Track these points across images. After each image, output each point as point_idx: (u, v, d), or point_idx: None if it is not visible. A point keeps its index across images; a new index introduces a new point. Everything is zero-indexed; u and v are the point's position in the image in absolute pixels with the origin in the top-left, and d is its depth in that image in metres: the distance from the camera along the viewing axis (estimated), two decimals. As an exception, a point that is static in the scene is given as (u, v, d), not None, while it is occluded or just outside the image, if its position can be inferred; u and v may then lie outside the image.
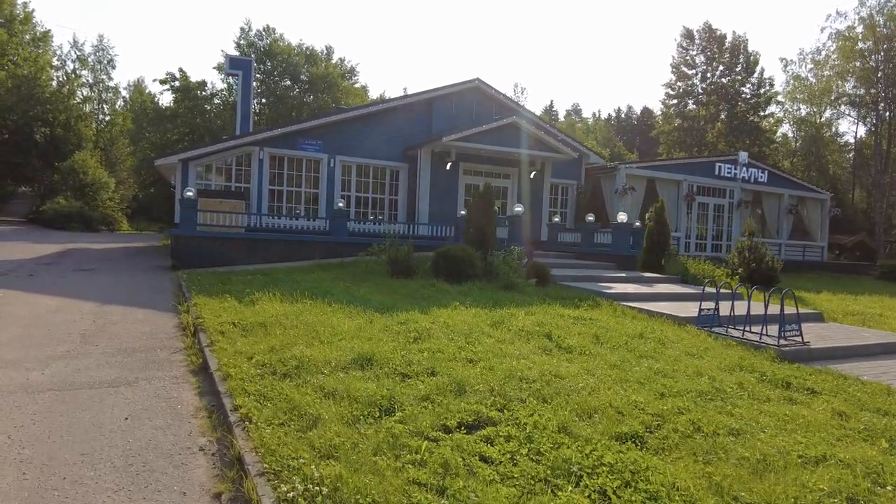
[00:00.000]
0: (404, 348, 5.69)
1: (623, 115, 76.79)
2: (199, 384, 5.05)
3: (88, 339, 6.29)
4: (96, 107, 49.86)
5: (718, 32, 41.79)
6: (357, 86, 50.28)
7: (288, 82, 44.57)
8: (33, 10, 52.70)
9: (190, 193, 13.00)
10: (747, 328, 7.80)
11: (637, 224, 16.56)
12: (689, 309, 8.90)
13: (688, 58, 43.59)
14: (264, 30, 45.94)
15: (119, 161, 45.76)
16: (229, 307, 7.34)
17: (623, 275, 13.16)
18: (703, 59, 42.28)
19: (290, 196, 17.67)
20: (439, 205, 17.80)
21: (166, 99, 51.78)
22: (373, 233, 15.81)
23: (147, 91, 58.31)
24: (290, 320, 6.56)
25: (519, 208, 13.65)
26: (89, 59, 49.43)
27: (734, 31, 43.83)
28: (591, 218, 16.23)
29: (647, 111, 72.12)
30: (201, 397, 4.76)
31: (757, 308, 8.14)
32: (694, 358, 6.33)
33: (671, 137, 44.45)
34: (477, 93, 19.61)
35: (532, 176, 19.13)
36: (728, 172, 23.90)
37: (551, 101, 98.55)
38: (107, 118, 50.24)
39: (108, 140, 46.78)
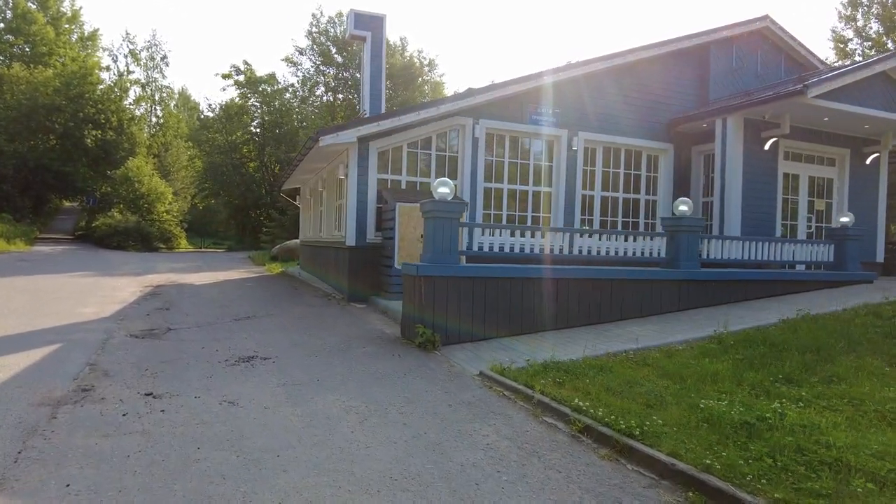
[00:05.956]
0: None
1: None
2: None
3: None
4: (148, 108, 44.57)
5: (891, -4, 34.07)
6: (436, 79, 43.86)
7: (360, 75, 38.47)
8: (81, 8, 48.15)
9: (446, 190, 6.33)
10: None
11: None
12: None
13: (849, 29, 35.85)
14: (336, 16, 40.02)
15: (175, 169, 40.11)
16: None
17: None
18: (878, 28, 34.47)
19: (510, 198, 10.89)
20: (752, 209, 10.84)
21: (228, 95, 46.28)
22: (719, 260, 8.87)
23: (192, 99, 52.92)
24: None
25: None
26: (141, 55, 44.28)
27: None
28: None
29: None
30: None
31: None
32: None
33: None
34: (760, 38, 12.71)
35: (869, 161, 12.12)
36: None
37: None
38: (160, 121, 44.87)
39: (162, 145, 41.28)
